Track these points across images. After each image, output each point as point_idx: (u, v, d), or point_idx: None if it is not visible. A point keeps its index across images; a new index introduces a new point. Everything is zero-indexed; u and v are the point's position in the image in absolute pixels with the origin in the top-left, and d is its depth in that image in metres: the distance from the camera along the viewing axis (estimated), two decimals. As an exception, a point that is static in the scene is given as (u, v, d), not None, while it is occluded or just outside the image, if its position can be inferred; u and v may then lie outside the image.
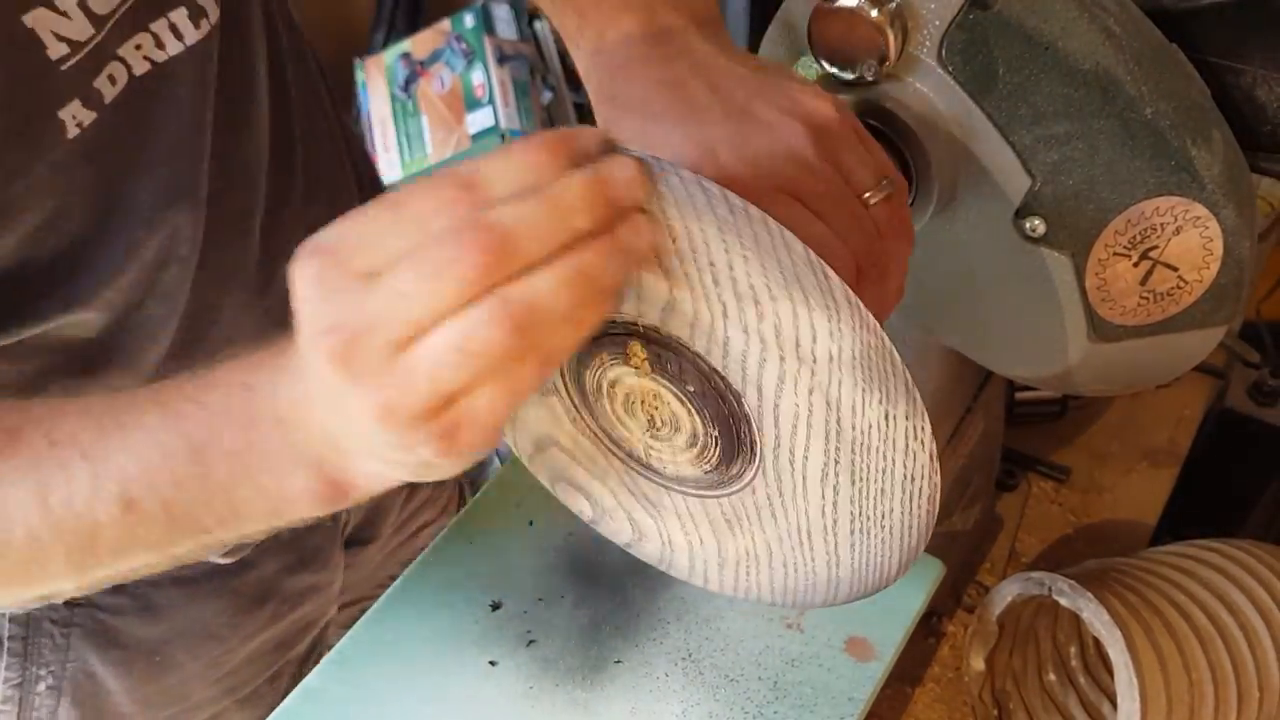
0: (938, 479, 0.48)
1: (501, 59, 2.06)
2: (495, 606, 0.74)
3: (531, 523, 0.78)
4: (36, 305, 0.58)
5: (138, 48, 0.58)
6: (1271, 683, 0.71)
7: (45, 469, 0.47)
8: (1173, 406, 1.01)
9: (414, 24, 2.18)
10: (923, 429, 0.47)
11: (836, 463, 0.49)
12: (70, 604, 0.74)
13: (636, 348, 0.48)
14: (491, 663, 0.71)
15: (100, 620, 0.75)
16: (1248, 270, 0.59)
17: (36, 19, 0.52)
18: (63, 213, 0.56)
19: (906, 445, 0.48)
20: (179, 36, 0.60)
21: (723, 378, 0.48)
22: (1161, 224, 0.57)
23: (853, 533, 0.51)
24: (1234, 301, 0.60)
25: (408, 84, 2.09)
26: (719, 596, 0.60)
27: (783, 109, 0.51)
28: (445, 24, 2.09)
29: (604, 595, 0.74)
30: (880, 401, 0.46)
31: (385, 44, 2.17)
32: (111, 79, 0.56)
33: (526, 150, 0.39)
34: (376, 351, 0.38)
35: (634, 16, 0.55)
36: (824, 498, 0.51)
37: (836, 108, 0.52)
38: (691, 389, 0.49)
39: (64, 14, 0.53)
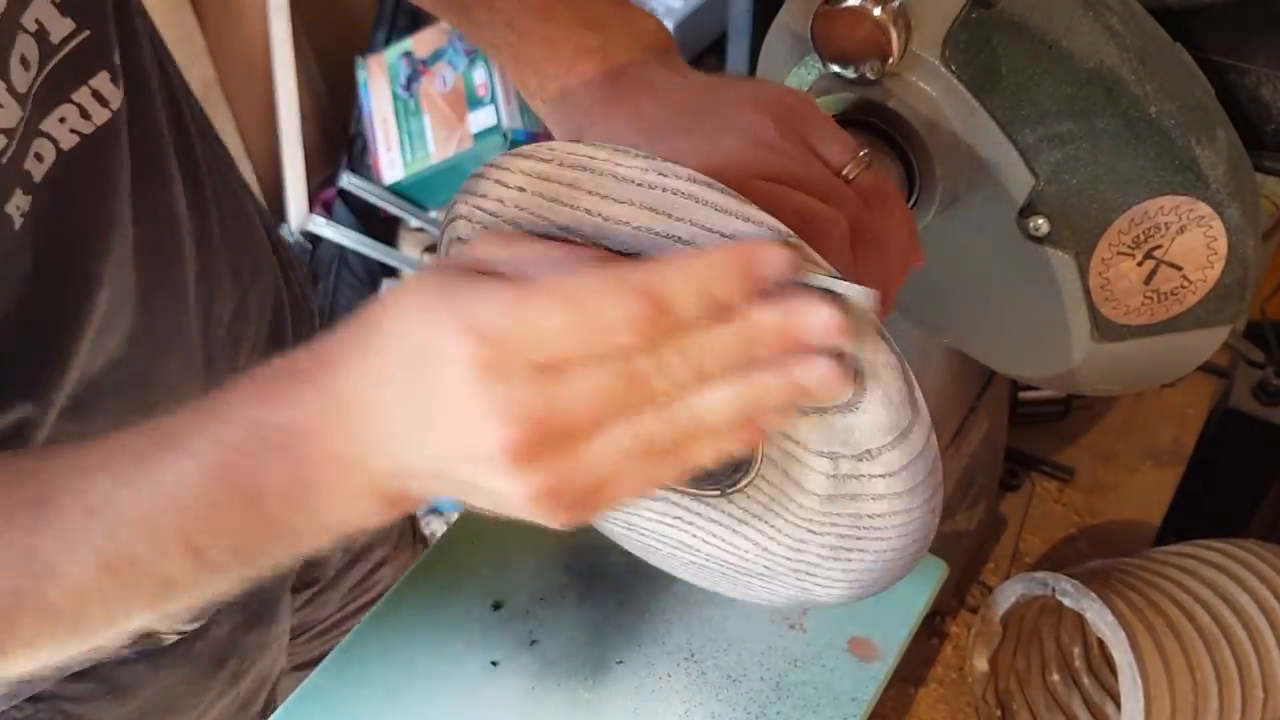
0: (940, 481, 0.48)
1: (503, 58, 2.05)
2: (497, 606, 0.73)
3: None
4: None
5: (62, 120, 0.54)
6: (1276, 683, 0.71)
7: (95, 538, 0.45)
8: (1177, 406, 1.00)
9: (416, 22, 2.18)
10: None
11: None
12: (35, 699, 0.72)
13: None
14: (493, 663, 0.71)
15: (65, 711, 0.73)
16: (1252, 270, 0.59)
17: None
18: (11, 303, 0.54)
19: None
20: (104, 103, 0.56)
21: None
22: (1165, 223, 0.57)
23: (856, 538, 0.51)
24: (1238, 301, 0.60)
25: (409, 83, 2.09)
26: (721, 596, 0.60)
27: (742, 105, 0.51)
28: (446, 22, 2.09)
29: (606, 595, 0.74)
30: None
31: (387, 42, 2.17)
32: (39, 157, 0.53)
33: (714, 269, 0.39)
34: (556, 446, 0.40)
35: (591, 61, 0.55)
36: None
37: (795, 95, 0.52)
38: None
39: None
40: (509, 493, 0.41)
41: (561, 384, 0.39)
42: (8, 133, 0.50)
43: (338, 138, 2.24)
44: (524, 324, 0.39)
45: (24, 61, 0.51)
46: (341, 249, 2.12)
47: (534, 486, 0.40)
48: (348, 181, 2.10)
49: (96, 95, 0.56)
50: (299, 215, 2.09)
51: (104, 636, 0.48)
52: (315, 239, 2.11)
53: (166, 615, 0.49)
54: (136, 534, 0.45)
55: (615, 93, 0.55)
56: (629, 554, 0.61)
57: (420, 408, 0.41)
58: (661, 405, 0.40)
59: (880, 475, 0.46)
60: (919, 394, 0.43)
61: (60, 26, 0.53)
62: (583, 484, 0.41)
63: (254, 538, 0.45)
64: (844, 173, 0.51)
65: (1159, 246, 0.58)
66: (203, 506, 0.44)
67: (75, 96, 0.55)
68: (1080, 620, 0.79)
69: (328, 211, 2.13)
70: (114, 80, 0.57)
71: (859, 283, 0.49)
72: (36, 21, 0.51)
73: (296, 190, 2.09)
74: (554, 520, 0.42)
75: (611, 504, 0.42)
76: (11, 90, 0.50)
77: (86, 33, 0.54)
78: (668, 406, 0.40)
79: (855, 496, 0.47)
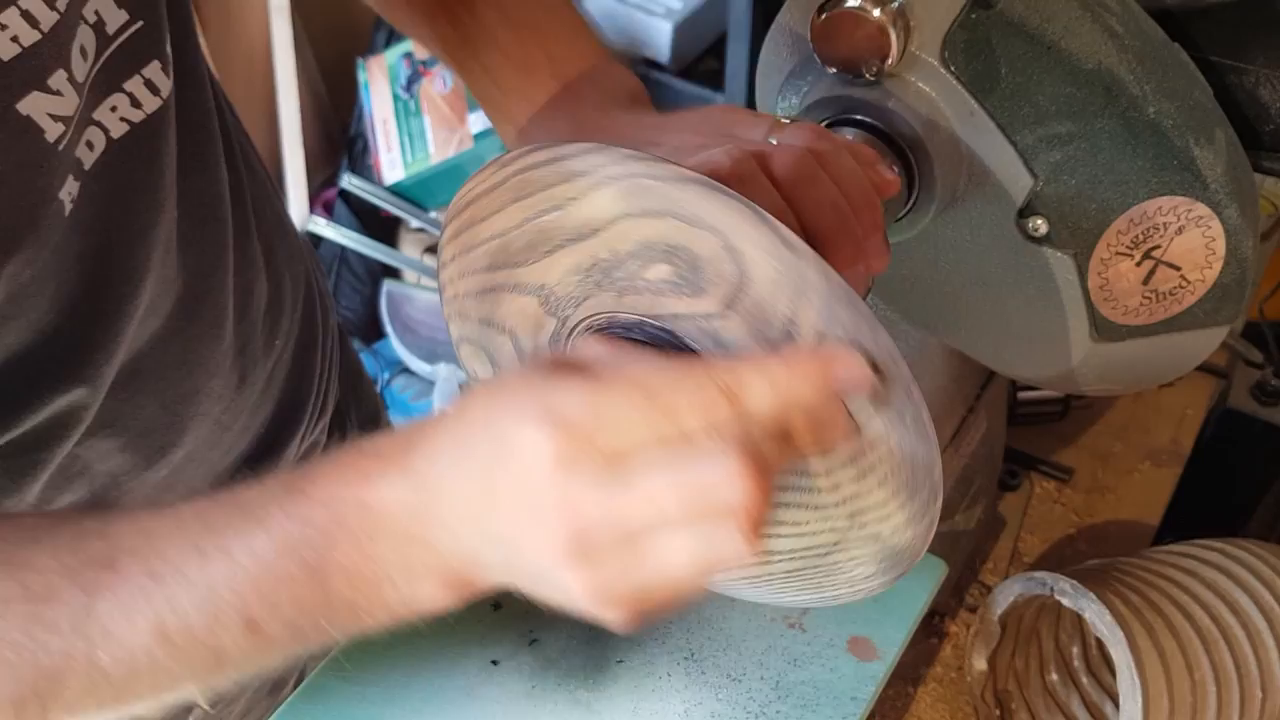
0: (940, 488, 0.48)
1: (504, 59, 2.06)
2: (497, 606, 0.74)
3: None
4: (38, 388, 0.56)
5: (113, 109, 0.55)
6: (1274, 684, 0.71)
7: (155, 603, 0.45)
8: (1176, 406, 1.01)
9: (416, 24, 2.18)
10: (882, 589, 0.49)
11: (790, 560, 0.50)
12: None
13: None
14: (493, 662, 0.71)
15: None
16: (1250, 270, 0.59)
17: (32, 105, 0.49)
18: (62, 290, 0.54)
19: (860, 590, 0.50)
20: (156, 92, 0.57)
21: None
22: (1164, 223, 0.57)
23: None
24: (1237, 301, 0.60)
25: (410, 84, 2.09)
26: (721, 596, 0.60)
27: (675, 128, 0.55)
28: (447, 24, 2.09)
29: (606, 595, 0.74)
30: (875, 572, 0.48)
31: (387, 43, 2.17)
32: (90, 145, 0.54)
33: (784, 374, 0.40)
34: (612, 543, 0.40)
35: (560, 115, 0.59)
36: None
37: (725, 107, 0.56)
38: None
39: (57, 93, 0.50)
40: (567, 585, 0.41)
41: (629, 483, 0.39)
42: (65, 121, 0.51)
43: (338, 138, 2.24)
44: (601, 415, 0.39)
45: (83, 52, 0.52)
46: (342, 249, 2.12)
47: (590, 581, 0.40)
48: (348, 182, 2.10)
49: (149, 84, 0.57)
50: (300, 216, 2.09)
51: (146, 705, 0.48)
52: (316, 239, 2.11)
53: (212, 687, 0.48)
54: (196, 601, 0.45)
55: (576, 138, 0.57)
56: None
57: (492, 492, 0.41)
58: (744, 520, 0.39)
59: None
60: (898, 356, 0.44)
61: (116, 17, 0.54)
62: (638, 582, 0.40)
63: (313, 614, 0.45)
64: (766, 140, 0.52)
65: (1158, 247, 0.58)
66: (267, 578, 0.44)
67: (128, 85, 0.55)
68: (1079, 620, 0.79)
69: (328, 212, 2.13)
70: (165, 69, 0.57)
71: (811, 214, 0.48)
72: (95, 13, 0.52)
73: (297, 191, 2.09)
74: (616, 621, 0.42)
75: (671, 604, 0.42)
76: (72, 79, 0.51)
77: (140, 23, 0.55)
78: (749, 522, 0.39)
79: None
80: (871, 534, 0.46)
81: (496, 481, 0.41)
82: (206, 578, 0.44)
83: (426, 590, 0.44)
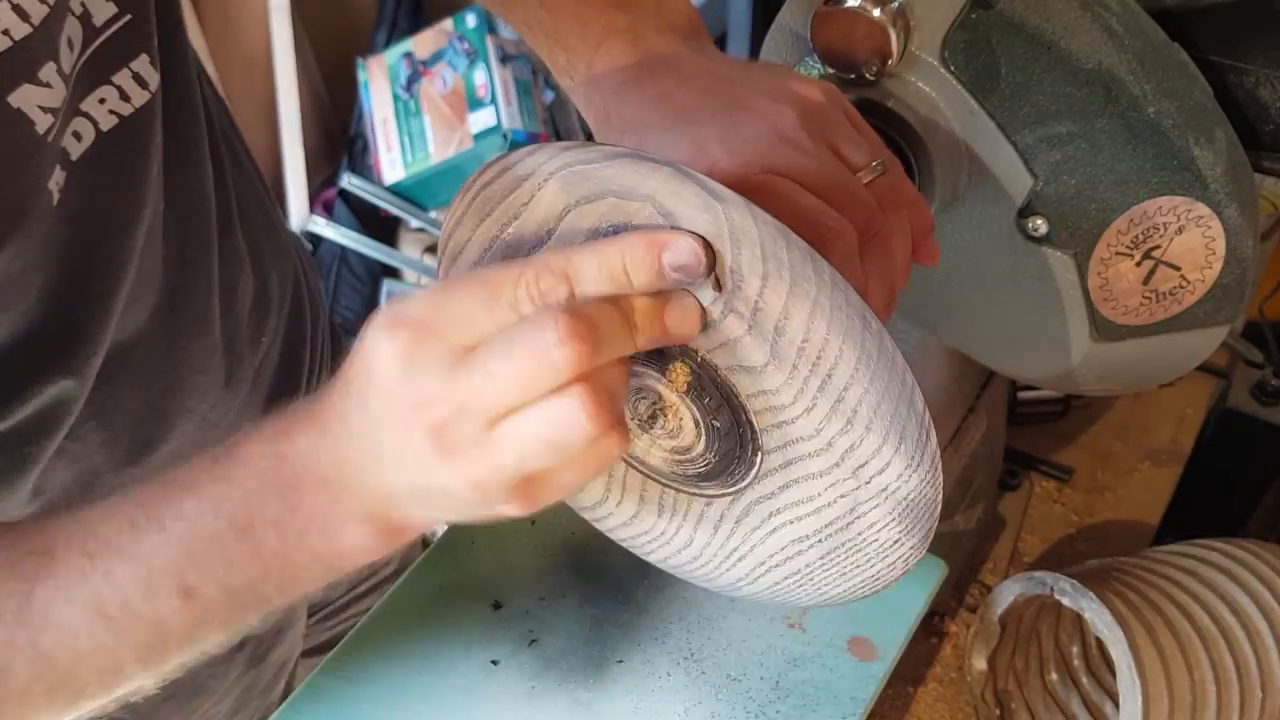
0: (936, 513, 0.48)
1: (504, 58, 2.06)
2: (497, 606, 0.74)
3: (533, 522, 0.78)
4: (26, 380, 0.56)
5: (102, 101, 0.55)
6: (1274, 683, 0.71)
7: (92, 582, 0.46)
8: (1175, 406, 1.01)
9: (416, 23, 2.18)
10: (916, 557, 0.49)
11: (819, 543, 0.50)
12: None
13: (680, 369, 0.48)
14: (493, 662, 0.71)
15: None
16: (1250, 270, 0.59)
17: (22, 97, 0.49)
18: (49, 281, 0.54)
19: (896, 562, 0.49)
20: (144, 86, 0.57)
21: (758, 432, 0.48)
22: (1164, 223, 0.57)
23: (821, 563, 0.52)
24: (1237, 301, 0.60)
25: (410, 84, 2.09)
26: (721, 596, 0.60)
27: (770, 95, 0.52)
28: (447, 23, 2.09)
29: (606, 595, 0.74)
30: (900, 535, 0.48)
31: (387, 44, 2.17)
32: (77, 135, 0.54)
33: (615, 253, 0.41)
34: (469, 429, 0.41)
35: (619, 42, 0.57)
36: (782, 551, 0.52)
37: (825, 92, 0.53)
38: (717, 424, 0.49)
39: (47, 85, 0.50)
40: (453, 485, 0.42)
41: (471, 368, 0.40)
42: (53, 111, 0.51)
43: (338, 138, 2.24)
44: (443, 310, 0.41)
45: (69, 43, 0.52)
46: (342, 249, 2.12)
47: (464, 474, 0.41)
48: (348, 182, 2.10)
49: (136, 78, 0.57)
50: (300, 215, 2.09)
51: (96, 692, 0.49)
52: (316, 239, 2.11)
53: (158, 671, 0.49)
54: (130, 573, 0.45)
55: (643, 74, 0.55)
56: (629, 554, 0.62)
57: (372, 414, 0.43)
58: (572, 387, 0.40)
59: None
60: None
61: (103, 10, 0.54)
62: (506, 467, 0.41)
63: (245, 572, 0.46)
64: (858, 175, 0.51)
65: (1157, 247, 0.58)
66: (197, 541, 0.45)
67: (116, 79, 0.56)
68: (1079, 620, 0.79)
69: (328, 212, 2.13)
70: (153, 63, 0.58)
71: (864, 284, 0.49)
72: (82, 4, 0.53)
73: (297, 190, 2.09)
74: (507, 509, 0.42)
75: (558, 487, 0.43)
76: (60, 71, 0.51)
77: (128, 16, 0.55)
78: (578, 387, 0.40)
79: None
80: (879, 488, 0.46)
81: (370, 402, 0.42)
82: (140, 549, 0.45)
83: (352, 535, 0.45)
